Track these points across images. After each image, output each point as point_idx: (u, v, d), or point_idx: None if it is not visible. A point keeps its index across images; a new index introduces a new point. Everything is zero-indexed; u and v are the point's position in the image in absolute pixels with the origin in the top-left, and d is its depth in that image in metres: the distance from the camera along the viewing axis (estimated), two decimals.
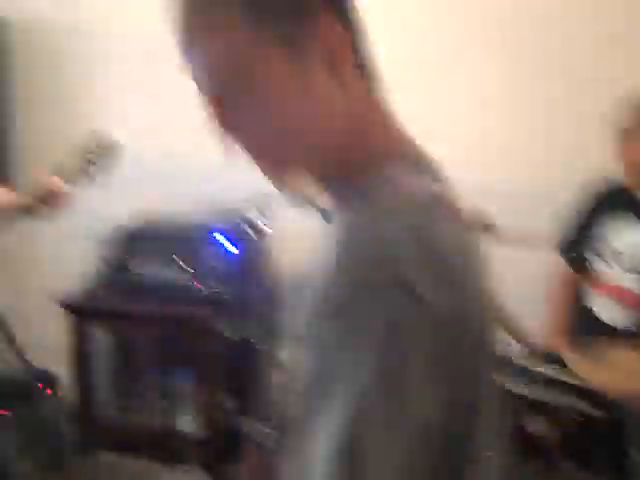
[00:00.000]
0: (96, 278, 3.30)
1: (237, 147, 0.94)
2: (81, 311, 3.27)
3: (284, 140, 0.91)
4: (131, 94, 3.47)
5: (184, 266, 3.13)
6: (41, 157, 3.53)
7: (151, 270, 3.20)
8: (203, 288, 3.12)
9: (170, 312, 3.14)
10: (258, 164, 0.94)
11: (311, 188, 0.98)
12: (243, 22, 0.88)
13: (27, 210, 2.49)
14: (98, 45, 3.52)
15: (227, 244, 3.13)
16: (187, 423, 3.31)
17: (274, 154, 0.93)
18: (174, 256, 3.16)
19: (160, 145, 3.36)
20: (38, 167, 2.53)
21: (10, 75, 3.59)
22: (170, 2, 0.92)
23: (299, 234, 3.10)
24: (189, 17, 0.91)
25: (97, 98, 3.60)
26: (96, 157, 2.57)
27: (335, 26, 0.90)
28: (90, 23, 3.52)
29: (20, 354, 3.65)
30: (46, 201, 2.48)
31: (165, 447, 3.31)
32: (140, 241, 3.20)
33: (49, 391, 3.26)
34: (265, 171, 0.94)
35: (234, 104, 0.91)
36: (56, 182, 2.48)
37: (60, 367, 3.36)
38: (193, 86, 0.93)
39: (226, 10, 0.89)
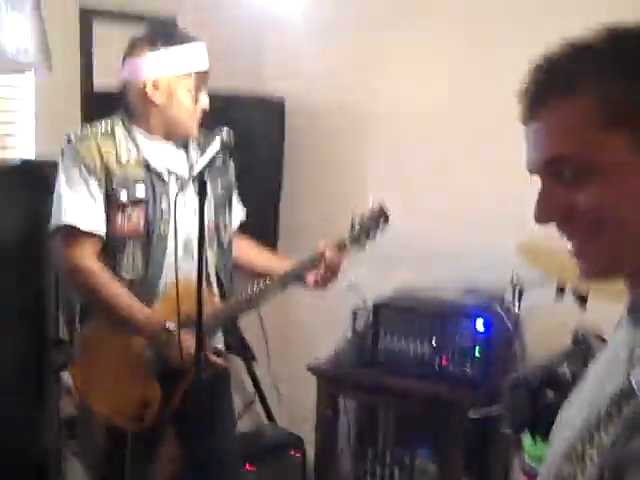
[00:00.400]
0: (347, 348, 3.40)
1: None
2: (330, 379, 3.37)
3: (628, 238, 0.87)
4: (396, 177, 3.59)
5: (434, 344, 3.14)
6: (309, 225, 3.78)
7: (400, 345, 3.24)
8: (451, 367, 3.13)
9: (416, 388, 3.16)
10: (582, 250, 0.91)
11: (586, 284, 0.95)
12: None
13: (300, 278, 2.59)
14: (368, 123, 3.70)
15: (479, 324, 3.11)
16: None
17: (610, 250, 0.88)
18: (424, 333, 3.19)
19: (417, 223, 3.44)
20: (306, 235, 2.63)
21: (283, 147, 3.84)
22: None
23: (550, 320, 3.09)
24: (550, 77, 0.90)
25: (365, 173, 3.75)
26: (370, 227, 2.61)
27: None
28: (360, 102, 3.70)
29: (270, 414, 3.84)
30: (321, 270, 2.56)
31: None
32: (392, 315, 3.25)
33: (294, 453, 3.38)
34: (585, 259, 0.90)
35: (576, 179, 0.88)
36: (333, 252, 2.55)
37: (306, 431, 3.49)
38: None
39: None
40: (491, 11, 3.34)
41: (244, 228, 2.77)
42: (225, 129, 2.20)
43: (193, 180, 2.14)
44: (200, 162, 2.14)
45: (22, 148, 3.31)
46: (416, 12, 3.48)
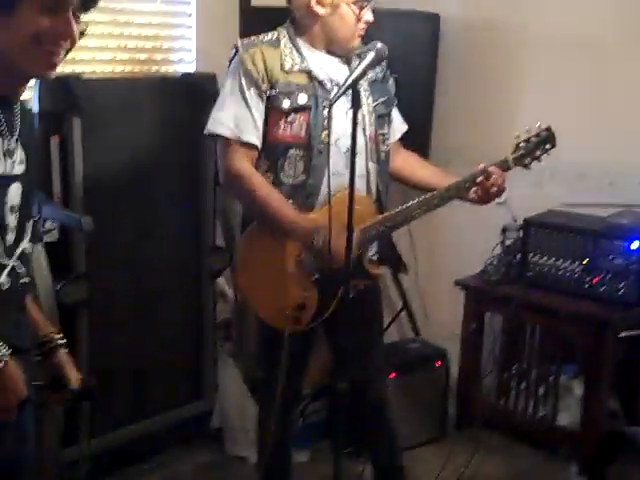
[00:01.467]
0: (496, 264, 3.39)
1: None
2: (477, 294, 3.39)
3: None
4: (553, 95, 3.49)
5: (585, 262, 3.09)
6: (460, 146, 3.75)
7: (550, 262, 3.21)
8: (603, 286, 3.09)
9: (564, 306, 3.13)
10: None
11: None
12: None
13: (462, 193, 2.55)
14: (524, 42, 3.59)
15: (634, 245, 3.04)
16: (567, 418, 3.28)
17: None
18: (576, 251, 3.15)
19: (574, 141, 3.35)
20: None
21: (436, 64, 3.80)
22: None
23: None
24: None
25: (519, 93, 3.67)
26: (537, 149, 2.54)
27: None
28: (516, 21, 3.60)
29: (416, 327, 3.91)
30: (483, 190, 2.55)
31: (541, 437, 3.33)
32: (543, 232, 3.22)
33: (438, 364, 3.44)
34: None
35: None
36: (497, 172, 2.51)
37: (451, 345, 3.54)
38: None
39: None
40: None
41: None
42: (379, 43, 2.22)
43: (346, 91, 2.16)
44: (353, 74, 2.16)
45: (183, 62, 3.43)
46: None
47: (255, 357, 3.23)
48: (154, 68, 3.33)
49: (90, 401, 1.88)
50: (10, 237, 1.56)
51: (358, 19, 2.46)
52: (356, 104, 2.12)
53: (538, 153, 2.55)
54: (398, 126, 2.72)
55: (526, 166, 2.56)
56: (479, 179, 2.49)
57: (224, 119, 2.44)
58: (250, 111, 2.43)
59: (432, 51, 3.72)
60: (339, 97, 2.15)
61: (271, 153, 2.47)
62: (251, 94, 2.42)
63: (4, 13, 1.42)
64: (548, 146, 2.55)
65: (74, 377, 1.78)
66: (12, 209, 1.56)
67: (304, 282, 2.49)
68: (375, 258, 2.64)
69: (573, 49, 3.43)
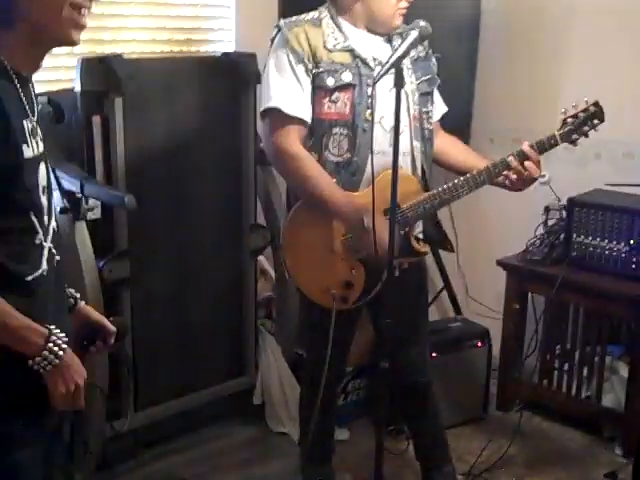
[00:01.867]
0: (539, 244, 3.36)
1: None
2: (520, 274, 3.35)
3: None
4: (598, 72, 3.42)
5: (632, 242, 3.04)
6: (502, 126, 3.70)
7: (595, 242, 3.17)
8: None
9: (609, 286, 3.09)
10: None
11: None
12: None
13: (497, 176, 2.52)
14: (566, 17, 3.53)
15: None
16: (612, 399, 3.24)
17: None
18: (621, 231, 3.10)
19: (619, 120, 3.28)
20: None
21: (477, 42, 3.74)
22: None
23: None
24: None
25: (562, 69, 3.60)
26: (584, 124, 2.48)
27: None
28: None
29: (457, 306, 3.89)
30: (514, 172, 2.52)
31: (584, 418, 3.30)
32: (587, 212, 3.17)
33: (479, 344, 3.41)
34: None
35: None
36: (531, 152, 2.47)
37: (492, 325, 3.51)
38: None
39: None
40: None
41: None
42: (422, 22, 2.20)
43: (389, 69, 2.15)
44: (396, 52, 2.14)
45: (223, 42, 3.43)
46: None
47: (296, 334, 3.25)
48: (194, 48, 3.34)
49: (124, 338, 1.90)
50: (46, 219, 1.58)
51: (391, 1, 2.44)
52: (399, 83, 2.10)
53: (586, 129, 2.50)
54: (438, 107, 2.70)
55: (573, 142, 2.52)
56: (514, 163, 2.46)
57: (275, 95, 2.43)
58: (301, 87, 2.43)
59: (474, 29, 3.67)
60: (382, 76, 2.14)
61: (315, 131, 2.47)
62: (300, 70, 2.42)
63: None
64: (596, 121, 2.50)
65: (105, 320, 1.80)
66: (43, 190, 1.57)
67: (351, 261, 2.49)
68: (421, 236, 2.63)
69: (620, 24, 3.36)
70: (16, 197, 1.48)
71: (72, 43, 1.55)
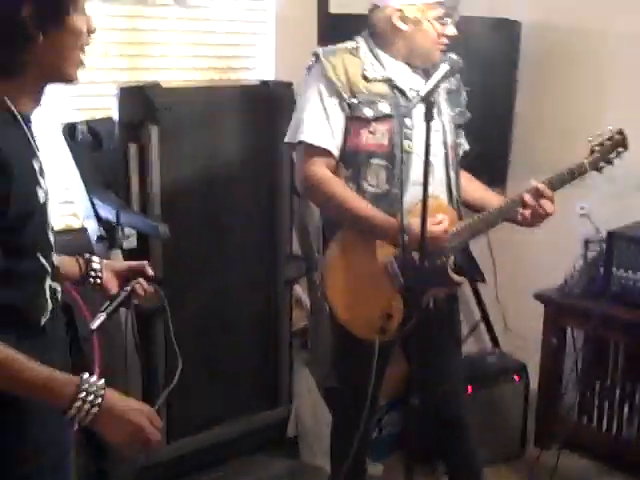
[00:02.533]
0: (577, 277, 3.30)
1: None
2: (558, 308, 3.29)
3: None
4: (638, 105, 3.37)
5: None
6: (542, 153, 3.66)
7: (635, 277, 3.10)
8: None
9: None
10: None
11: None
12: None
13: (509, 215, 2.52)
14: (607, 46, 3.49)
15: None
16: None
17: None
18: None
19: None
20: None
21: (516, 73, 3.72)
22: None
23: None
24: None
25: (603, 99, 3.56)
26: (609, 151, 2.49)
27: None
28: (598, 25, 3.50)
29: (495, 339, 3.83)
30: (529, 209, 2.49)
31: (625, 459, 3.21)
32: (627, 245, 3.10)
33: (516, 378, 3.35)
34: None
35: None
36: (545, 189, 2.46)
37: (530, 359, 3.44)
38: None
39: None
40: None
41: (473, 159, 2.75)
42: (454, 55, 2.20)
43: (420, 102, 2.14)
44: (427, 85, 2.13)
45: (262, 69, 3.44)
46: None
47: (330, 366, 3.21)
48: (233, 75, 3.36)
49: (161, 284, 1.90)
50: (55, 257, 1.56)
51: (439, 34, 2.44)
52: (429, 115, 2.10)
53: (612, 156, 2.50)
54: (463, 143, 2.69)
55: (600, 170, 2.51)
56: (528, 199, 2.44)
57: (304, 126, 2.43)
58: (328, 120, 2.42)
59: (513, 59, 3.65)
60: (413, 108, 2.14)
61: (353, 162, 2.45)
62: (331, 103, 2.42)
63: (54, 30, 1.43)
64: (620, 149, 2.51)
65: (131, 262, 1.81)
66: (52, 229, 1.55)
67: (391, 292, 2.47)
68: (454, 267, 2.60)
69: None
70: (29, 241, 1.45)
71: (73, 81, 1.53)
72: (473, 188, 2.70)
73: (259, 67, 3.44)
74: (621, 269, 3.13)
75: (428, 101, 2.10)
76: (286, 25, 3.39)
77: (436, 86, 2.15)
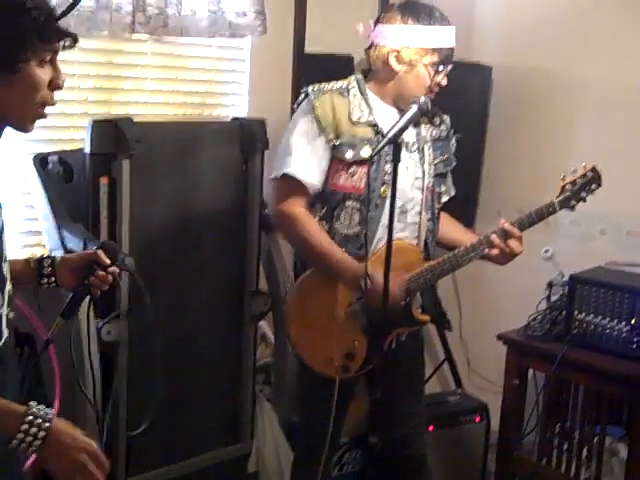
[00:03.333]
0: (540, 319, 3.34)
1: None
2: (520, 349, 3.33)
3: None
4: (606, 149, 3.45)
5: (633, 322, 3.03)
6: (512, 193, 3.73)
7: (596, 321, 3.14)
8: None
9: (610, 366, 3.06)
10: None
11: None
12: None
13: (480, 254, 2.56)
14: (574, 89, 3.58)
15: None
16: None
17: None
18: (623, 310, 3.08)
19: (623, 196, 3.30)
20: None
21: (487, 115, 3.79)
22: None
23: None
24: None
25: (572, 140, 3.63)
26: (582, 189, 2.55)
27: None
28: (566, 68, 3.59)
29: (458, 379, 3.86)
30: (496, 249, 2.54)
31: None
32: (590, 289, 3.15)
33: (477, 419, 3.38)
34: None
35: None
36: (513, 229, 2.52)
37: (493, 400, 3.48)
38: None
39: None
40: None
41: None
42: (423, 97, 2.26)
43: (387, 144, 2.18)
44: (394, 127, 2.18)
45: (236, 106, 3.48)
46: None
47: (293, 402, 3.22)
48: (207, 111, 3.39)
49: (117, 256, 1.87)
50: (9, 287, 1.56)
51: (432, 81, 2.49)
52: (396, 157, 2.14)
53: (583, 194, 2.56)
54: (448, 189, 2.74)
55: (572, 208, 2.56)
56: (495, 239, 2.50)
57: (290, 160, 2.47)
58: (317, 158, 2.47)
59: (484, 101, 3.73)
60: (380, 150, 2.19)
61: (328, 201, 2.50)
62: (320, 140, 2.46)
63: (5, 73, 1.42)
64: (594, 186, 2.56)
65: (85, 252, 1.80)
66: (5, 259, 1.56)
67: (354, 331, 2.50)
68: (420, 311, 2.64)
69: (625, 99, 3.40)
70: None
71: (27, 132, 1.54)
72: (451, 230, 2.75)
73: (233, 104, 3.47)
74: (582, 313, 3.18)
75: (395, 143, 2.15)
76: (261, 63, 3.43)
77: (404, 127, 2.20)
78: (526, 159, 3.77)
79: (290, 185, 2.49)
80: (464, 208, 3.51)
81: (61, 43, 1.48)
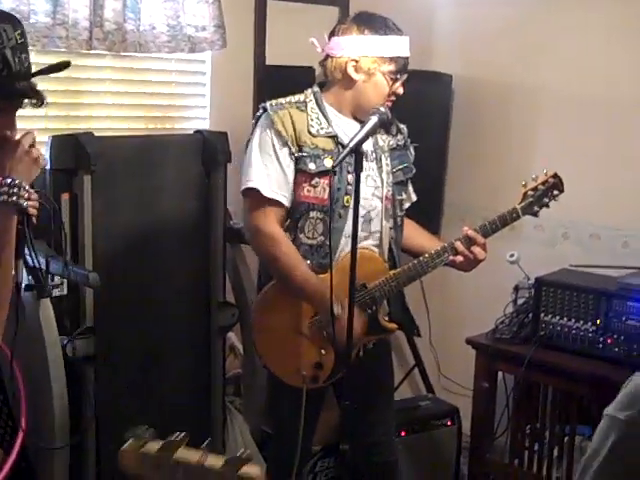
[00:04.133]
0: (508, 322, 3.37)
1: None
2: (489, 352, 3.35)
3: None
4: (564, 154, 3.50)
5: (598, 322, 3.06)
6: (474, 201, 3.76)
7: (563, 322, 3.17)
8: (616, 348, 3.05)
9: (576, 366, 3.09)
10: None
11: None
12: None
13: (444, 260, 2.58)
14: (534, 97, 3.62)
15: None
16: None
17: None
18: (588, 312, 3.11)
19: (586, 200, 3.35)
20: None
21: (449, 123, 3.83)
22: None
23: None
24: None
25: (532, 147, 3.67)
26: (545, 195, 2.57)
27: None
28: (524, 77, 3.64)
29: (429, 384, 3.87)
30: (460, 255, 2.55)
31: None
32: (555, 292, 3.18)
33: (449, 422, 3.39)
34: None
35: None
36: (476, 236, 2.54)
37: (463, 403, 3.50)
38: None
39: None
40: None
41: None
42: (382, 107, 2.29)
43: (348, 154, 2.20)
44: (355, 137, 2.20)
45: (198, 119, 3.48)
46: None
47: (264, 413, 3.22)
48: (168, 125, 3.39)
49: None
50: None
51: (390, 91, 2.51)
52: (358, 168, 2.16)
53: (546, 200, 2.59)
54: (410, 197, 2.76)
55: (535, 214, 2.59)
56: (459, 246, 2.52)
57: (256, 177, 2.47)
58: (283, 170, 2.47)
59: (445, 110, 3.76)
60: (341, 161, 2.21)
61: (292, 212, 2.50)
62: (284, 154, 2.47)
63: None
64: (556, 192, 2.59)
65: None
66: None
67: (321, 341, 2.51)
68: (387, 319, 2.65)
69: (584, 107, 3.48)
70: None
71: None
72: (416, 236, 2.77)
73: (196, 117, 3.48)
74: (549, 315, 3.21)
75: (357, 152, 2.17)
76: (223, 76, 3.44)
77: (365, 138, 2.22)
78: (488, 166, 3.81)
79: (259, 200, 2.49)
80: (428, 215, 3.54)
81: (26, 101, 1.56)
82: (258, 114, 2.56)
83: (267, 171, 2.47)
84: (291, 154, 2.47)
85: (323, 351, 2.52)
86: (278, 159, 2.47)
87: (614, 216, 3.37)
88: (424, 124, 3.44)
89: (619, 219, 3.36)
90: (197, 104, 3.48)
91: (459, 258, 2.54)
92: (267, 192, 2.46)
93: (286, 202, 2.49)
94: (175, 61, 3.32)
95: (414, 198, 2.79)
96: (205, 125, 3.44)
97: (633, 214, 3.31)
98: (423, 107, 3.54)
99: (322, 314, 2.47)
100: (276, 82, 3.36)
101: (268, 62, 3.54)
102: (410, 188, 2.76)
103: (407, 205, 2.75)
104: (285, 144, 2.47)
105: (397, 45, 2.50)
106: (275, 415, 2.83)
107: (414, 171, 2.72)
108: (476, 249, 2.54)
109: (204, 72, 3.45)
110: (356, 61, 2.50)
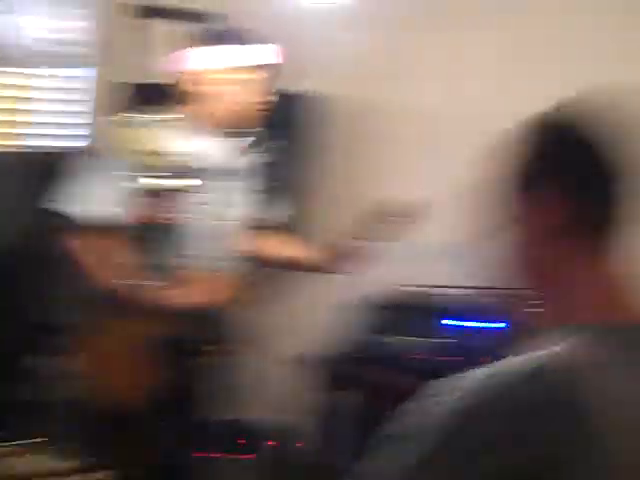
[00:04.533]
0: (338, 341, 3.38)
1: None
2: (318, 371, 3.33)
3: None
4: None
5: (418, 337, 3.15)
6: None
7: (394, 339, 3.22)
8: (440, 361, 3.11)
9: (410, 384, 3.12)
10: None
11: None
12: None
13: (317, 268, 2.64)
14: (402, 121, 3.69)
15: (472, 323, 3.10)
16: None
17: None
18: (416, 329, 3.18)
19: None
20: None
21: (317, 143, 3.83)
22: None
23: None
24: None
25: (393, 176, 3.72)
26: (391, 222, 2.64)
27: None
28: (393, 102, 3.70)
29: (258, 404, 3.84)
30: (340, 261, 2.61)
31: None
32: (379, 310, 3.23)
33: (273, 443, 3.39)
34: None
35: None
36: (357, 244, 2.61)
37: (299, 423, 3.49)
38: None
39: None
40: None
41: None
42: (252, 129, 2.33)
43: (195, 172, 2.19)
44: (205, 156, 2.20)
45: (44, 136, 3.40)
46: (451, 14, 3.50)
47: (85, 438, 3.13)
48: (14, 142, 3.29)
49: None
50: None
51: (241, 100, 2.50)
52: (203, 187, 2.16)
53: (391, 225, 2.65)
54: (278, 212, 2.77)
55: (366, 239, 2.66)
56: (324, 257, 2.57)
57: (89, 195, 2.41)
58: (116, 189, 2.41)
59: (314, 131, 3.76)
60: (185, 179, 2.20)
61: (138, 231, 2.46)
62: (118, 173, 2.41)
63: None
64: (402, 218, 2.65)
65: None
66: None
67: (145, 363, 2.46)
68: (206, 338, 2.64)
69: (451, 128, 3.50)
70: None
71: None
72: (278, 251, 2.77)
73: (41, 134, 3.38)
74: (382, 333, 3.25)
75: (203, 172, 2.17)
76: (72, 92, 3.37)
77: (214, 156, 2.22)
78: (353, 189, 3.81)
79: (84, 221, 2.43)
80: (293, 233, 3.54)
81: None
82: (102, 131, 2.52)
83: (101, 190, 2.42)
84: (130, 173, 2.43)
85: (146, 373, 2.49)
86: (114, 178, 2.43)
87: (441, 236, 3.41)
88: (293, 144, 3.43)
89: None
90: (44, 121, 3.38)
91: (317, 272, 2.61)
92: (98, 212, 2.41)
93: (118, 222, 2.45)
94: (21, 77, 3.24)
95: (279, 216, 2.79)
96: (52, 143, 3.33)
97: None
98: (292, 127, 3.49)
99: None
100: (139, 99, 3.27)
101: (134, 80, 3.45)
102: (275, 206, 2.76)
103: (270, 223, 2.75)
104: (123, 163, 2.42)
105: (245, 54, 2.49)
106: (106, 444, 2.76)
107: (278, 189, 2.73)
108: (332, 265, 2.64)
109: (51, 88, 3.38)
110: (205, 73, 2.48)
